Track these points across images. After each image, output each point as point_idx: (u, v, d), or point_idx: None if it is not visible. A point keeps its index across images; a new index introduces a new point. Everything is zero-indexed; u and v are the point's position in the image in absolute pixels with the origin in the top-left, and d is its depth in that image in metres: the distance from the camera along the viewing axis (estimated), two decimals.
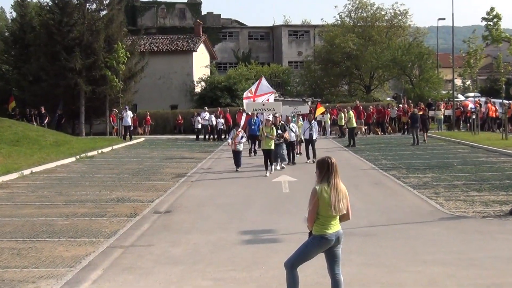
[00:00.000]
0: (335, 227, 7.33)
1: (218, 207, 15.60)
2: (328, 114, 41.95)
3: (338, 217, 7.34)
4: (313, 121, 26.04)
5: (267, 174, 21.45)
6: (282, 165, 23.53)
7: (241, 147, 23.36)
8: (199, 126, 41.40)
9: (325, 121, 41.71)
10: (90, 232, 12.52)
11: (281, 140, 23.48)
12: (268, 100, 29.66)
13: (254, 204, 15.90)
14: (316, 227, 7.29)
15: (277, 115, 29.69)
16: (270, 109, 23.63)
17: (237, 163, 23.18)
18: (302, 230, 7.41)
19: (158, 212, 14.95)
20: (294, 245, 8.50)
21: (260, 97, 30.19)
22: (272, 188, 18.71)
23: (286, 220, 13.38)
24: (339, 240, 7.39)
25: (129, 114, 39.26)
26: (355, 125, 33.68)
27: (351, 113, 33.71)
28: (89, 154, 29.33)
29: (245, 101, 30.12)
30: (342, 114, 38.77)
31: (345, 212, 7.35)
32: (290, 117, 27.54)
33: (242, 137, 23.45)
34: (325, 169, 7.29)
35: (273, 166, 22.32)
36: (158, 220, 13.98)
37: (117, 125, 42.74)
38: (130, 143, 37.34)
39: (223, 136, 39.97)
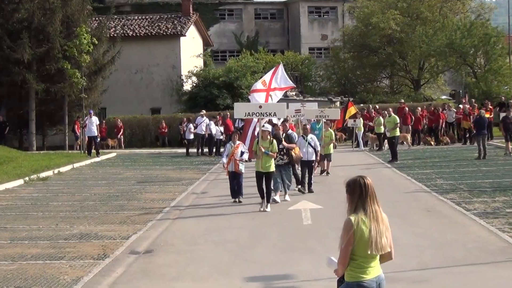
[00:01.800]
0: (375, 270, 7.27)
1: (217, 245, 15.59)
2: (361, 119, 41.86)
3: (378, 257, 7.31)
4: (310, 135, 24.33)
5: (263, 209, 20.03)
6: (286, 197, 21.92)
7: (243, 168, 21.63)
8: (191, 136, 41.40)
9: (357, 128, 41.65)
10: (44, 280, 12.51)
11: (285, 159, 21.93)
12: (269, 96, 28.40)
13: (264, 241, 15.90)
14: (351, 271, 7.22)
15: (290, 119, 29.04)
16: (270, 113, 21.81)
17: (235, 190, 21.65)
18: (329, 275, 7.39)
19: (135, 252, 14.95)
20: None
21: (276, 91, 29.47)
22: (288, 219, 18.69)
23: (308, 262, 13.36)
24: None
25: (95, 120, 39.23)
26: (398, 133, 33.56)
27: (396, 117, 33.55)
28: (42, 175, 29.36)
29: (250, 97, 29.11)
30: (381, 119, 38.72)
31: (388, 250, 7.31)
32: (308, 125, 26.60)
33: (243, 153, 21.57)
34: (358, 193, 7.24)
35: (275, 196, 20.94)
36: (136, 263, 13.97)
37: (81, 136, 42.71)
38: (97, 159, 37.40)
39: (222, 149, 39.98)
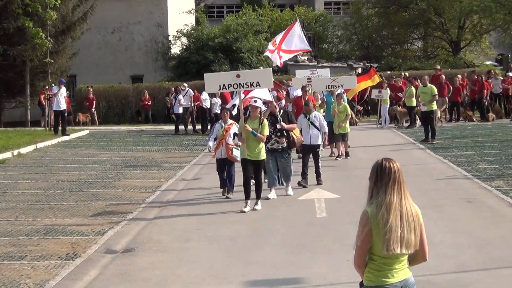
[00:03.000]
0: (401, 273, 7.27)
1: (211, 242, 15.64)
2: (388, 90, 41.67)
3: (405, 257, 7.31)
4: (314, 112, 23.10)
5: (246, 209, 18.76)
6: (288, 191, 20.96)
7: (238, 154, 20.22)
8: (180, 110, 41.35)
9: (383, 100, 41.50)
10: (1, 284, 12.54)
11: (283, 142, 20.76)
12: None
13: (269, 238, 15.94)
14: (369, 274, 7.25)
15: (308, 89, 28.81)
16: (251, 83, 20.40)
17: (225, 182, 20.97)
18: (349, 279, 7.42)
19: (112, 251, 14.98)
20: None
21: (289, 53, 29.27)
22: (299, 211, 18.72)
23: (322, 263, 13.39)
24: None
25: (63, 92, 39.07)
26: (435, 107, 33.41)
27: (433, 87, 33.17)
28: None
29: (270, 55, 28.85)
30: (413, 89, 38.61)
31: (417, 248, 7.30)
32: (320, 96, 26.06)
33: (236, 135, 20.19)
34: (373, 179, 7.24)
35: (268, 194, 20.21)
36: (113, 265, 14.02)
37: (48, 109, 42.59)
38: (66, 138, 37.42)
39: None
